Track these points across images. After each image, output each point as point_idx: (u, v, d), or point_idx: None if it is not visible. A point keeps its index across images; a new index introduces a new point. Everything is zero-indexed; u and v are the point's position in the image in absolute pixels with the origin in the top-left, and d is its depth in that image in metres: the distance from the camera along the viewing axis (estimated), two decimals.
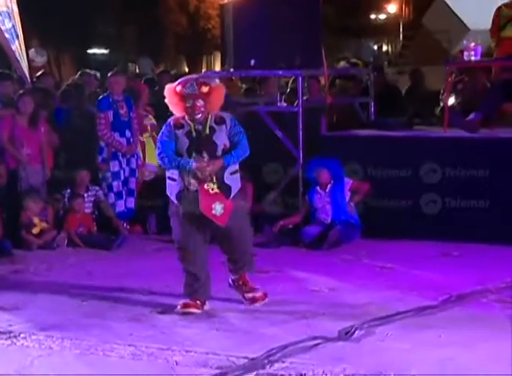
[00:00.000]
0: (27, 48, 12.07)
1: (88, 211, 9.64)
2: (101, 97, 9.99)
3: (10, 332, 6.18)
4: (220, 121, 6.53)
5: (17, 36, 11.35)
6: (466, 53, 9.54)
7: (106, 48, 30.79)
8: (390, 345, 5.75)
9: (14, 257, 8.68)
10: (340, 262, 8.26)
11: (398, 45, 36.76)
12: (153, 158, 9.47)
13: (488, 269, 7.66)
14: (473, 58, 9.46)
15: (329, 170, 9.10)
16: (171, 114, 6.67)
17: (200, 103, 6.42)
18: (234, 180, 6.59)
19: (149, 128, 10.16)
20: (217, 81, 6.75)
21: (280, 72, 10.07)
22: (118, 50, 29.74)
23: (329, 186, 9.13)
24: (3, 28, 11.20)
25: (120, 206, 9.86)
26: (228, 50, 10.13)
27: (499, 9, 10.51)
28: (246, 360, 5.48)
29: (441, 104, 10.58)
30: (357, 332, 5.93)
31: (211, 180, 6.46)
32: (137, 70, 21.68)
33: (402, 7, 38.20)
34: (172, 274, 7.06)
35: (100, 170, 9.89)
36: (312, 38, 9.92)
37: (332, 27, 27.31)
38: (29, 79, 11.27)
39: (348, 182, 9.12)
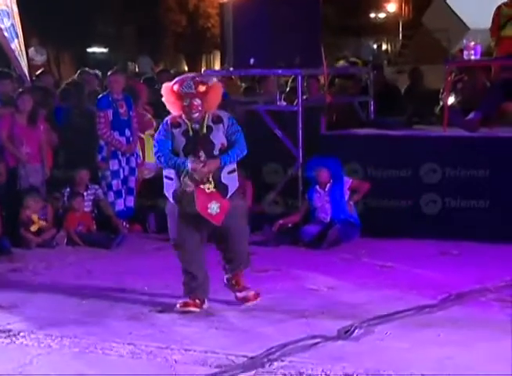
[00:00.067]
0: (27, 47, 12.08)
1: (87, 209, 9.64)
2: (100, 96, 9.99)
3: (9, 331, 6.18)
4: (217, 119, 6.50)
5: (16, 35, 11.35)
6: (465, 52, 9.54)
7: (105, 47, 30.78)
8: (389, 344, 5.75)
9: (13, 255, 8.68)
10: (340, 261, 8.26)
11: (398, 44, 36.73)
12: (152, 157, 9.46)
13: (488, 268, 7.66)
14: (472, 57, 9.45)
15: (328, 169, 9.09)
16: (170, 113, 6.65)
17: (197, 101, 6.39)
18: (231, 179, 6.57)
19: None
20: (214, 79, 6.69)
21: (280, 71, 10.06)
22: (118, 49, 29.73)
23: (328, 185, 9.12)
24: (2, 27, 11.20)
25: (120, 205, 9.86)
26: (227, 49, 10.13)
27: (499, 7, 10.52)
28: (245, 359, 5.49)
29: (441, 103, 10.58)
30: (356, 331, 5.93)
31: (208, 181, 6.43)
32: (136, 69, 21.70)
33: (401, 6, 38.16)
34: (171, 273, 7.05)
35: (100, 169, 9.89)
36: (312, 37, 9.92)
37: (331, 26, 27.30)
38: (28, 78, 11.27)
39: (348, 181, 9.12)
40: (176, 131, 6.48)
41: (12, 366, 5.51)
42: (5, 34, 11.24)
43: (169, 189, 6.55)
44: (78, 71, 12.45)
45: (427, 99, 11.63)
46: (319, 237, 8.86)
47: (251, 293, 6.72)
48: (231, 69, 10.56)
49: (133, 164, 10.01)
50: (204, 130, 6.46)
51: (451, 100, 10.48)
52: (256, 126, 9.70)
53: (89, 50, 30.29)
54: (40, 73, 12.02)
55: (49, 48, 23.13)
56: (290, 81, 11.73)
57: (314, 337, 5.80)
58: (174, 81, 6.53)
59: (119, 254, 8.81)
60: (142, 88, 10.63)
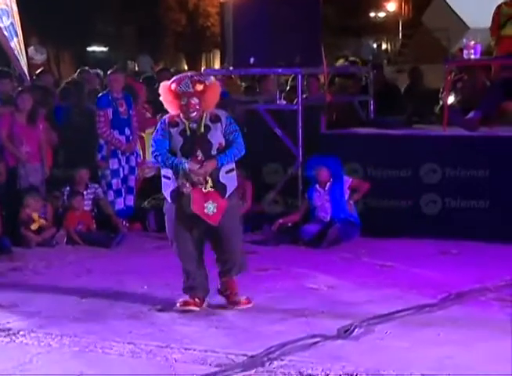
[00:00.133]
0: (26, 46, 12.07)
1: (87, 208, 9.64)
2: (100, 95, 10.00)
3: (9, 329, 6.18)
4: (215, 119, 6.46)
5: (16, 34, 11.35)
6: (465, 52, 9.54)
7: (105, 46, 30.77)
8: (389, 344, 5.75)
9: (13, 254, 8.67)
10: (340, 260, 8.26)
11: (398, 43, 36.72)
12: None
13: (488, 268, 7.67)
14: (472, 56, 9.45)
15: (328, 168, 9.09)
16: (169, 112, 6.63)
17: (194, 101, 6.35)
18: (230, 179, 6.52)
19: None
20: (212, 78, 6.64)
21: (280, 70, 10.07)
22: (118, 48, 29.73)
23: (328, 184, 9.12)
24: (1, 26, 11.19)
25: (120, 204, 9.87)
26: (227, 48, 10.14)
27: (499, 7, 10.51)
28: (245, 358, 5.48)
29: (441, 103, 10.58)
30: (356, 330, 5.92)
31: (205, 182, 6.39)
32: (136, 68, 21.70)
33: (401, 5, 38.16)
34: (171, 272, 7.05)
35: (99, 168, 9.89)
36: (312, 37, 9.93)
37: (331, 25, 27.29)
38: (28, 77, 11.26)
39: (348, 180, 9.12)
40: (174, 130, 6.44)
41: (12, 365, 5.51)
42: (5, 32, 11.24)
43: (167, 188, 6.53)
44: (78, 70, 12.46)
45: (427, 98, 11.63)
46: (319, 236, 8.86)
47: (243, 298, 6.62)
48: (231, 68, 10.55)
49: (133, 163, 10.01)
50: (202, 129, 6.43)
51: (451, 99, 10.48)
52: (256, 125, 9.71)
53: (89, 49, 30.29)
54: (40, 72, 12.02)
55: (49, 47, 23.12)
56: (290, 80, 11.73)
57: (314, 336, 5.80)
58: (172, 80, 6.50)
59: (119, 253, 8.81)
60: (141, 88, 10.63)
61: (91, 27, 27.36)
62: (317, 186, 9.17)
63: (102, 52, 30.91)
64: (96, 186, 9.77)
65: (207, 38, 30.78)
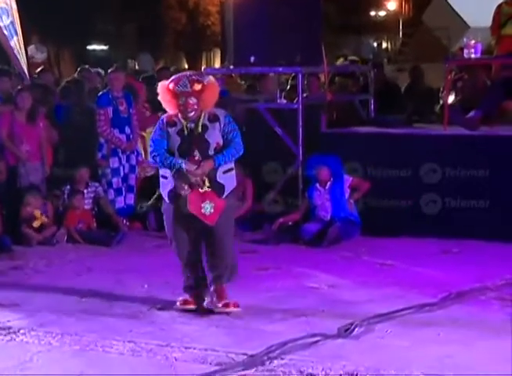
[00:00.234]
0: (26, 44, 12.06)
1: (87, 207, 9.64)
2: (100, 93, 10.00)
3: (9, 328, 6.18)
4: (213, 118, 6.41)
5: (16, 32, 11.34)
6: (466, 51, 9.54)
7: (105, 45, 30.76)
8: (389, 343, 5.75)
9: (14, 253, 8.67)
10: (340, 259, 8.26)
11: (398, 42, 36.76)
12: None
13: (488, 267, 7.67)
14: (473, 55, 9.45)
15: (328, 167, 9.09)
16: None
17: (192, 100, 6.30)
18: (228, 179, 6.46)
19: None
20: (210, 78, 6.61)
21: (280, 69, 10.06)
22: (118, 47, 29.71)
23: (328, 183, 9.12)
24: (1, 25, 11.18)
25: (120, 202, 9.87)
26: (228, 47, 10.14)
27: (499, 6, 10.51)
28: (245, 357, 5.49)
29: (441, 102, 10.58)
30: (356, 329, 5.93)
31: (203, 184, 6.35)
32: (136, 67, 21.69)
33: (401, 4, 38.19)
34: (171, 270, 7.05)
35: (100, 166, 9.89)
36: (312, 35, 9.93)
37: (332, 24, 27.30)
38: (27, 75, 11.26)
39: (348, 179, 9.12)
40: (171, 130, 6.41)
41: (13, 364, 5.51)
42: (5, 31, 11.23)
43: (164, 188, 6.50)
44: (78, 69, 12.45)
45: (428, 97, 11.64)
46: (320, 235, 8.86)
47: (232, 301, 6.49)
48: (231, 67, 10.55)
49: (133, 162, 10.01)
50: (199, 129, 6.38)
51: (451, 99, 10.48)
52: (256, 124, 9.71)
53: (89, 48, 30.28)
54: (40, 70, 12.01)
55: (49, 45, 23.09)
56: (291, 79, 11.73)
57: (314, 335, 5.80)
58: (170, 79, 6.48)
59: (119, 252, 8.81)
60: (141, 86, 10.63)
61: (92, 25, 27.34)
62: (317, 185, 9.17)
63: (102, 50, 30.90)
64: (97, 184, 9.77)
65: (208, 37, 30.78)
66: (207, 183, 6.37)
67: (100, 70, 12.57)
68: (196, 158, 6.35)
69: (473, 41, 9.47)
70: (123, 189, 9.90)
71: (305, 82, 10.55)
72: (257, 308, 6.57)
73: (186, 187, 6.34)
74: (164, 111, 6.64)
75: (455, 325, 6.09)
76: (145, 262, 8.15)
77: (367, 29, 35.92)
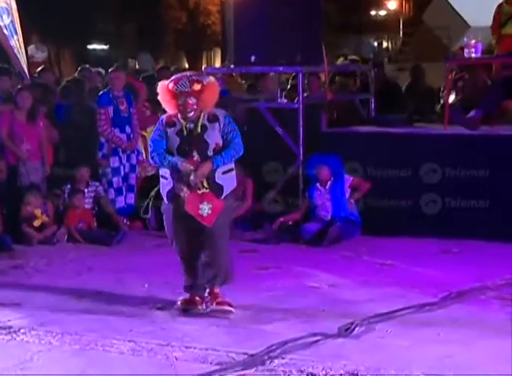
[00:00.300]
0: (26, 44, 12.06)
1: (88, 206, 9.64)
2: (101, 93, 9.99)
3: (10, 327, 6.18)
4: (213, 118, 6.37)
5: (16, 32, 11.34)
6: (466, 50, 9.54)
7: (105, 44, 30.76)
8: (389, 342, 5.75)
9: (14, 252, 8.68)
10: (340, 258, 8.26)
11: (399, 41, 36.77)
12: None
13: (488, 267, 7.67)
14: (473, 55, 9.45)
15: (329, 167, 9.09)
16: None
17: (192, 100, 6.27)
18: (227, 179, 6.42)
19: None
20: (210, 78, 6.58)
21: (281, 68, 10.06)
22: (118, 46, 29.71)
23: (329, 182, 9.12)
24: (1, 24, 11.19)
25: (120, 202, 9.87)
26: (228, 46, 10.14)
27: (500, 5, 10.53)
28: (245, 356, 5.49)
29: (442, 101, 10.58)
30: (357, 329, 5.93)
31: (202, 186, 6.31)
32: (137, 66, 21.67)
33: (402, 3, 38.20)
34: (172, 270, 7.05)
35: (100, 166, 9.89)
36: (313, 35, 9.93)
37: (332, 23, 27.31)
38: (28, 75, 11.26)
39: (348, 178, 9.12)
40: (171, 130, 6.38)
41: (13, 363, 5.51)
42: (5, 31, 11.24)
43: (164, 188, 6.49)
44: (79, 68, 12.45)
45: (428, 96, 11.64)
46: (320, 235, 8.86)
47: (226, 301, 6.47)
48: (232, 66, 10.54)
49: (134, 161, 10.01)
50: (199, 129, 6.34)
51: (452, 98, 10.48)
52: (257, 124, 9.71)
53: (90, 47, 30.28)
54: (40, 70, 12.01)
55: (49, 45, 23.10)
56: (291, 78, 11.73)
57: (314, 334, 5.80)
58: (170, 79, 6.47)
59: (119, 251, 8.82)
60: (141, 86, 10.63)
61: (92, 25, 27.35)
62: (318, 184, 9.17)
63: (102, 50, 30.90)
64: (97, 184, 9.77)
65: (208, 36, 30.78)
66: (205, 184, 6.35)
67: (101, 70, 12.57)
68: (195, 159, 6.32)
69: (473, 41, 9.47)
70: (123, 188, 9.90)
71: (306, 82, 10.55)
72: (258, 307, 6.58)
73: (185, 189, 6.32)
74: (164, 111, 6.63)
75: (455, 325, 6.09)
76: (145, 262, 8.15)
77: (368, 28, 35.93)
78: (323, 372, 5.24)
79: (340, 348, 5.64)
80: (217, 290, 6.49)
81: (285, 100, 10.34)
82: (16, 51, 11.28)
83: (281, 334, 5.85)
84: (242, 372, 5.28)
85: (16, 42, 11.34)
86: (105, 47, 30.89)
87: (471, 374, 5.19)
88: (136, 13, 28.14)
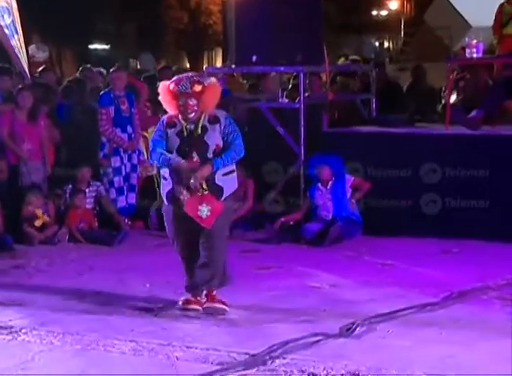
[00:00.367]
0: (27, 43, 12.06)
1: (89, 206, 9.64)
2: (102, 93, 10.00)
3: (11, 327, 6.18)
4: (214, 119, 6.34)
5: (16, 32, 11.34)
6: (468, 50, 9.53)
7: (107, 44, 30.77)
8: (391, 342, 5.75)
9: (15, 252, 8.68)
10: (342, 258, 8.26)
11: (400, 41, 36.75)
12: None
13: (489, 266, 7.66)
14: (475, 55, 9.44)
15: (330, 167, 9.09)
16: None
17: (192, 101, 6.25)
18: (228, 181, 6.40)
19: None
20: (212, 79, 6.55)
21: (282, 68, 10.06)
22: (119, 46, 29.72)
23: (330, 182, 9.12)
24: (2, 24, 11.18)
25: (122, 202, 9.87)
26: (230, 46, 10.13)
27: (501, 5, 10.52)
28: (247, 356, 5.48)
29: (443, 101, 10.57)
30: (358, 329, 5.92)
31: (202, 188, 6.28)
32: (138, 66, 21.70)
33: (403, 3, 38.18)
34: (173, 270, 7.04)
35: (102, 165, 9.90)
36: (314, 35, 9.93)
37: (333, 23, 27.31)
38: (28, 75, 11.26)
39: (350, 178, 9.12)
40: (171, 131, 6.37)
41: (14, 363, 5.51)
42: (6, 31, 11.23)
43: (164, 189, 6.48)
44: (80, 68, 12.45)
45: (429, 96, 11.63)
46: (321, 235, 8.86)
47: (220, 301, 6.44)
48: (233, 66, 10.54)
49: (135, 161, 10.01)
50: (199, 131, 6.31)
51: (453, 98, 10.47)
52: (258, 123, 9.71)
53: (91, 47, 30.29)
54: (42, 70, 12.01)
55: (51, 45, 23.11)
56: (292, 78, 11.73)
57: (316, 334, 5.80)
58: (172, 80, 6.47)
59: (121, 251, 8.81)
60: (143, 86, 10.63)
61: (93, 25, 27.36)
62: (319, 184, 9.17)
63: (103, 50, 30.91)
64: (98, 183, 9.77)
65: (209, 36, 30.79)
66: (204, 186, 6.31)
67: (102, 70, 12.57)
68: (195, 160, 6.30)
69: (475, 41, 9.47)
70: (124, 188, 9.91)
71: (307, 82, 10.54)
72: (259, 307, 6.58)
73: (185, 192, 6.30)
74: (165, 111, 6.63)
75: (456, 325, 6.08)
76: (146, 262, 8.15)
77: (369, 28, 35.93)
78: (324, 372, 5.24)
79: (341, 348, 5.64)
80: (214, 293, 6.47)
81: (286, 100, 10.34)
82: (16, 51, 11.27)
83: (282, 334, 5.84)
84: (243, 372, 5.28)
85: (17, 42, 11.33)
86: (106, 47, 30.90)
87: (473, 374, 5.19)
88: (137, 13, 28.14)
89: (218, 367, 5.34)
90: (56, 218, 9.41)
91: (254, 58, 9.67)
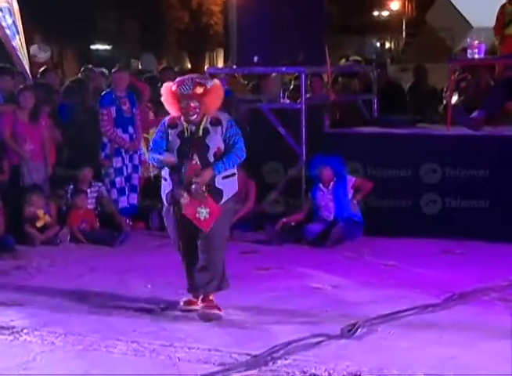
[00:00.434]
0: (29, 44, 12.07)
1: (90, 207, 9.63)
2: (104, 93, 9.99)
3: (13, 327, 6.18)
4: (216, 122, 6.31)
5: (18, 32, 11.35)
6: (469, 51, 9.53)
7: (108, 44, 30.78)
8: (392, 343, 5.75)
9: (17, 252, 8.67)
10: (343, 259, 8.26)
11: (401, 42, 36.77)
12: None
13: (491, 268, 7.66)
14: (476, 56, 9.44)
15: (331, 167, 9.09)
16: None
17: (194, 103, 6.22)
18: (228, 184, 6.36)
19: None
20: (215, 81, 6.52)
21: (283, 69, 10.06)
22: (121, 46, 29.73)
23: (331, 183, 9.12)
24: (4, 24, 11.19)
25: (123, 202, 9.87)
26: (231, 47, 10.13)
27: (503, 6, 10.51)
28: (248, 357, 5.48)
29: (445, 102, 10.57)
30: (360, 330, 5.92)
31: (202, 192, 6.25)
32: (139, 67, 21.70)
33: (405, 4, 38.19)
34: (174, 270, 7.04)
35: (103, 166, 9.89)
36: (316, 35, 9.93)
37: (335, 24, 27.29)
38: (30, 75, 11.26)
39: (351, 179, 9.12)
40: (172, 131, 6.35)
41: (16, 363, 5.51)
42: (7, 31, 11.24)
43: (164, 190, 6.47)
44: (82, 68, 12.45)
45: (431, 97, 11.63)
46: (323, 236, 8.86)
47: (214, 304, 6.39)
48: (234, 67, 10.54)
49: (136, 162, 10.01)
50: (200, 132, 6.29)
51: (454, 99, 10.47)
52: (259, 124, 9.71)
53: (92, 47, 30.30)
54: (43, 70, 12.01)
55: (52, 45, 23.13)
56: (294, 79, 11.73)
57: (317, 335, 5.79)
58: (175, 81, 6.47)
59: (122, 252, 8.81)
60: (144, 87, 10.63)
61: (94, 25, 27.37)
62: (320, 185, 9.16)
63: (105, 50, 30.92)
64: (100, 184, 9.77)
65: (211, 37, 30.79)
66: (203, 188, 6.28)
67: (104, 70, 12.58)
68: (194, 162, 6.27)
69: (476, 42, 9.47)
70: (126, 188, 9.90)
71: (308, 82, 10.55)
72: (260, 308, 6.57)
73: (185, 195, 6.28)
74: (166, 112, 6.62)
75: (458, 326, 6.08)
76: (148, 262, 8.15)
77: (370, 29, 35.94)
78: (326, 373, 5.24)
79: (342, 349, 5.64)
80: (211, 297, 6.42)
81: (288, 101, 10.35)
82: (18, 51, 11.28)
83: (284, 334, 5.84)
84: (245, 373, 5.28)
85: (19, 42, 11.34)
86: (108, 47, 30.91)
87: (474, 375, 5.18)
88: (139, 13, 28.14)
89: (220, 368, 5.34)
90: (58, 218, 9.41)
91: (256, 58, 9.67)
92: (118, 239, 9.15)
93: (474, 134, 9.19)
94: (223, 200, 6.34)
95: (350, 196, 9.10)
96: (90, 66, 12.73)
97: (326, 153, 9.17)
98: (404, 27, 36.36)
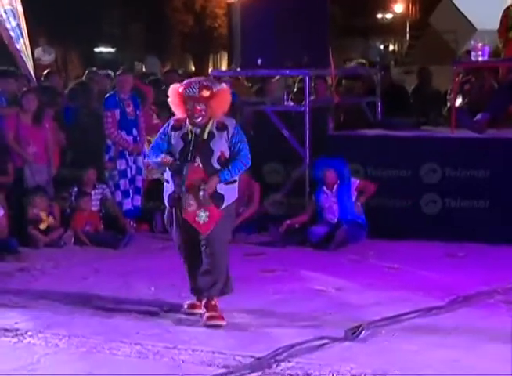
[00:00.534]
0: (33, 46, 12.09)
1: (94, 209, 9.64)
2: (108, 95, 10.00)
3: (17, 330, 6.19)
4: (222, 127, 6.28)
5: (22, 35, 11.37)
6: (473, 53, 9.53)
7: (112, 47, 30.81)
8: (396, 346, 5.74)
9: (20, 255, 8.67)
10: (347, 261, 8.25)
11: (405, 44, 36.71)
12: None
13: (495, 270, 7.66)
14: (480, 58, 9.44)
15: (335, 170, 9.08)
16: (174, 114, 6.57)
17: (200, 106, 6.20)
18: (229, 190, 6.33)
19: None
20: (223, 85, 6.49)
21: (287, 71, 10.06)
22: (125, 49, 29.76)
23: (335, 185, 9.12)
24: (8, 27, 11.22)
25: (127, 204, 9.87)
26: (235, 49, 10.14)
27: (507, 9, 10.49)
28: (252, 360, 5.48)
29: (449, 104, 10.56)
30: (363, 332, 5.92)
31: (209, 200, 6.22)
32: (143, 69, 21.70)
33: (408, 7, 38.19)
34: (178, 273, 7.02)
35: (107, 168, 9.90)
36: (319, 38, 9.93)
37: (338, 26, 27.29)
38: (34, 78, 11.28)
39: (355, 181, 9.11)
40: (176, 133, 6.33)
41: (20, 366, 5.52)
42: (12, 33, 11.27)
43: (166, 192, 6.45)
44: (86, 71, 12.46)
45: (435, 99, 11.62)
46: (327, 238, 8.86)
47: (217, 314, 6.31)
48: (238, 69, 10.54)
49: (140, 164, 10.01)
50: (205, 136, 6.26)
51: (458, 101, 10.47)
52: (263, 127, 9.71)
53: (96, 50, 30.32)
54: (47, 73, 12.03)
55: (56, 48, 23.16)
56: (298, 81, 11.73)
57: (321, 338, 5.79)
58: (183, 83, 6.47)
59: (126, 254, 8.82)
60: (149, 89, 10.64)
61: (99, 28, 27.41)
62: (324, 187, 9.16)
63: (109, 53, 30.95)
64: (104, 186, 9.78)
65: (215, 39, 30.81)
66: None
67: (110, 72, 12.58)
68: (196, 164, 6.25)
69: (480, 44, 9.46)
70: (130, 191, 9.91)
71: (312, 85, 10.55)
72: (264, 310, 6.58)
73: (192, 202, 6.22)
74: (169, 115, 6.61)
75: (462, 329, 6.07)
76: (152, 265, 8.15)
77: (374, 32, 35.93)
78: (330, 375, 5.24)
79: (346, 351, 5.64)
80: (214, 301, 6.37)
81: (291, 103, 10.34)
82: (22, 54, 11.30)
83: (287, 337, 5.84)
84: (248, 375, 5.28)
85: (23, 45, 11.37)
86: (112, 50, 30.94)
87: None
88: (143, 16, 28.17)
89: (224, 370, 5.35)
90: (62, 220, 9.41)
91: (260, 61, 9.68)
92: (122, 241, 9.15)
93: (478, 136, 9.19)
94: (223, 206, 6.31)
95: (354, 198, 9.09)
96: (94, 68, 12.74)
97: (329, 156, 9.16)
98: (408, 29, 36.34)
